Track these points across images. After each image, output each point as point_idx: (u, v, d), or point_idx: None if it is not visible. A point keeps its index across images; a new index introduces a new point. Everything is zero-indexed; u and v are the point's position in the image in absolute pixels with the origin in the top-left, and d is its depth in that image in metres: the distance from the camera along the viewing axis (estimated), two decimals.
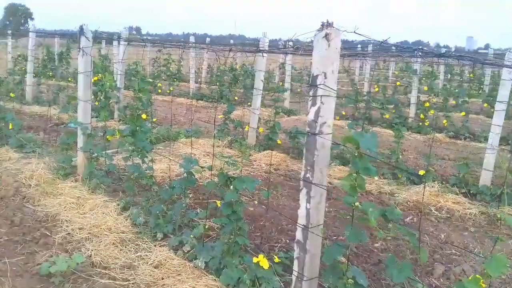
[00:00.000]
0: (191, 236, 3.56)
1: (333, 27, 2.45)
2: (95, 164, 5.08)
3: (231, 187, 3.12)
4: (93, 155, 5.10)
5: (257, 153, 6.91)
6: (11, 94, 10.08)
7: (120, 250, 3.62)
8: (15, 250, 3.58)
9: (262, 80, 7.14)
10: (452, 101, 11.29)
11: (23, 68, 12.35)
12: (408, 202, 5.17)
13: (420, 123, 9.46)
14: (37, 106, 10.11)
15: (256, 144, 7.25)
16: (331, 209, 4.86)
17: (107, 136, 4.74)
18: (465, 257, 3.96)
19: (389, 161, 6.26)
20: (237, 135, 7.86)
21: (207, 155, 6.69)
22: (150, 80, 10.42)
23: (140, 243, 3.72)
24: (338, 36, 2.46)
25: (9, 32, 17.51)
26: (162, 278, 3.22)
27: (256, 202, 3.81)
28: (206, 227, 3.59)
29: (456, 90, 11.65)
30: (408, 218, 4.80)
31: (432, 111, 9.40)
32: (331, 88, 2.48)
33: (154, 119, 8.13)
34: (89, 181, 4.92)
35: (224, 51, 4.64)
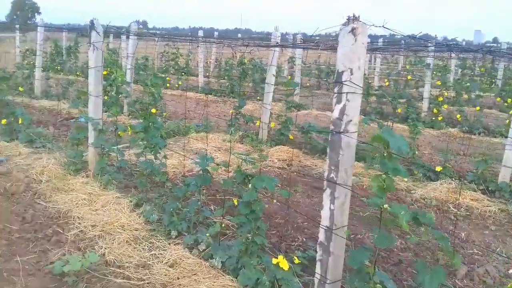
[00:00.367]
0: (207, 234, 3.48)
1: (360, 21, 2.34)
2: (107, 159, 5.00)
3: (250, 185, 3.02)
4: (104, 150, 5.02)
5: (269, 148, 6.81)
6: (20, 89, 10.02)
7: (134, 248, 3.54)
8: (27, 248, 3.51)
9: (274, 75, 7.02)
10: (464, 96, 11.11)
11: (31, 63, 12.31)
12: (426, 199, 5.06)
13: (433, 118, 9.31)
14: (46, 100, 10.05)
15: (267, 139, 7.15)
16: None
17: (119, 132, 4.64)
18: (488, 257, 3.85)
19: (406, 156, 6.14)
20: (248, 130, 7.76)
21: (218, 150, 6.60)
22: (163, 75, 10.34)
23: (154, 241, 3.64)
24: (365, 31, 2.35)
25: (17, 26, 17.45)
26: (178, 278, 3.14)
27: (273, 200, 3.72)
28: (223, 225, 3.50)
29: (468, 84, 11.47)
30: None
31: (445, 106, 9.24)
32: (357, 85, 2.37)
33: (164, 114, 8.04)
34: (100, 176, 4.84)
35: (242, 46, 4.51)
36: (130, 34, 7.02)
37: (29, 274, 3.15)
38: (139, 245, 3.58)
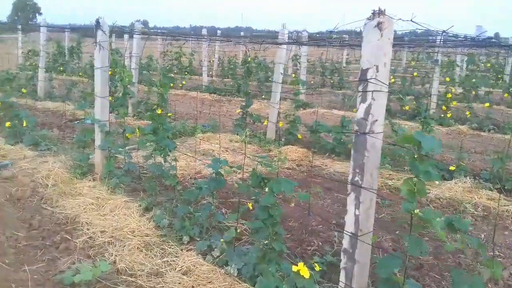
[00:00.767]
0: (221, 240, 3.35)
1: (386, 15, 2.21)
2: (114, 162, 4.88)
3: (266, 189, 2.89)
4: (112, 153, 4.90)
5: (277, 148, 6.68)
6: (23, 90, 9.94)
7: (146, 255, 3.42)
8: (35, 256, 3.40)
9: (281, 73, 6.89)
10: (472, 92, 10.97)
11: (34, 64, 12.21)
12: (441, 199, 4.93)
13: (442, 115, 9.17)
14: (50, 101, 9.93)
15: (275, 139, 7.02)
16: None
17: (127, 134, 4.52)
18: (510, 259, 3.72)
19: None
20: (255, 129, 7.63)
21: (226, 150, 6.48)
22: (172, 75, 10.21)
23: (166, 247, 3.52)
24: (391, 25, 2.23)
25: (19, 27, 17.34)
26: (192, 287, 3.02)
27: (291, 203, 3.59)
28: (238, 231, 3.38)
29: (474, 80, 11.32)
30: None
31: (454, 102, 9.10)
32: (383, 83, 2.25)
33: (169, 114, 7.91)
34: (108, 180, 4.73)
35: (257, 43, 4.38)
36: (136, 32, 6.90)
37: (38, 285, 3.03)
38: (151, 252, 3.46)
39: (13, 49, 17.41)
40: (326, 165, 5.97)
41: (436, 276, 3.34)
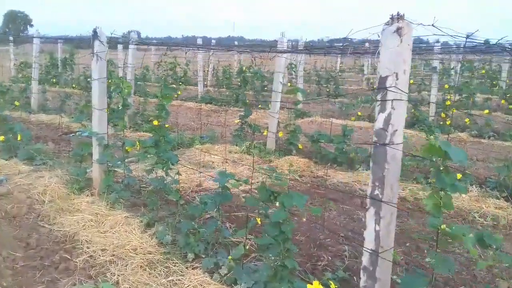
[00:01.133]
0: (229, 257, 3.21)
1: (405, 19, 2.11)
2: (113, 176, 4.73)
3: (277, 203, 2.77)
4: (110, 167, 4.75)
5: (278, 158, 6.56)
6: (16, 103, 9.77)
7: (150, 274, 3.27)
8: (34, 277, 3.24)
9: (281, 82, 6.79)
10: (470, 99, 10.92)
11: (27, 76, 12.04)
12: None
13: (441, 122, 9.09)
14: (44, 114, 9.76)
15: (276, 149, 6.90)
16: None
17: (127, 148, 4.38)
18: None
19: (422, 164, 5.91)
20: (254, 140, 7.51)
21: (226, 162, 6.34)
22: (174, 86, 10.07)
23: (170, 265, 3.37)
24: (411, 31, 2.13)
25: (11, 38, 17.17)
26: None
27: (303, 218, 3.47)
28: (247, 247, 3.24)
29: (472, 87, 11.28)
30: None
31: (453, 110, 9.04)
32: (402, 91, 2.14)
33: (167, 125, 7.78)
34: (107, 195, 4.57)
35: (265, 52, 4.27)
36: (133, 43, 6.78)
37: None
38: (154, 271, 3.31)
39: (5, 61, 17.21)
40: (329, 176, 5.85)
41: None
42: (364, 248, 2.28)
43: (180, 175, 4.24)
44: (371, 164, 2.22)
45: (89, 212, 4.27)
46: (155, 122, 4.56)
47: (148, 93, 11.98)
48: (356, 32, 2.40)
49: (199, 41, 13.06)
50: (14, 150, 6.12)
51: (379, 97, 2.17)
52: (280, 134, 6.97)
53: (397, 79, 2.12)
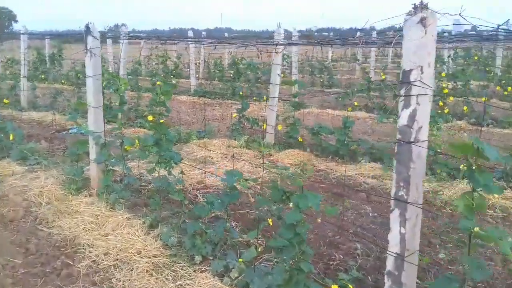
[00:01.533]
0: (240, 260, 3.09)
1: (429, 9, 1.98)
2: (111, 176, 4.58)
3: (290, 204, 2.64)
4: (108, 166, 4.60)
5: (278, 152, 6.43)
6: (5, 101, 9.51)
7: (156, 279, 3.15)
8: (36, 285, 3.10)
9: (279, 74, 6.65)
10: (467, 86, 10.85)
11: (15, 72, 11.77)
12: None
13: (439, 111, 9.01)
14: (34, 112, 9.53)
15: (275, 143, 6.77)
16: (375, 214, 4.41)
17: (126, 147, 4.22)
18: None
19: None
20: (252, 133, 7.37)
21: (225, 157, 6.21)
22: (174, 82, 9.88)
23: (177, 269, 3.25)
24: (435, 21, 2.00)
25: None
26: None
27: (318, 219, 3.35)
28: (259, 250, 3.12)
29: (468, 74, 11.20)
30: None
31: (451, 98, 8.96)
32: (427, 85, 2.01)
33: (161, 121, 7.61)
34: (106, 195, 4.43)
35: (272, 45, 4.12)
36: (124, 38, 6.59)
37: None
38: (161, 275, 3.19)
39: None
40: (331, 169, 5.74)
41: None
42: (388, 252, 2.16)
43: (184, 174, 4.10)
44: (394, 163, 2.11)
45: (89, 214, 4.13)
46: (150, 118, 4.42)
47: (140, 87, 11.77)
48: (376, 23, 2.27)
49: (190, 34, 12.83)
50: (7, 150, 5.93)
51: (402, 92, 2.05)
52: (280, 127, 6.84)
53: (422, 72, 2.00)
